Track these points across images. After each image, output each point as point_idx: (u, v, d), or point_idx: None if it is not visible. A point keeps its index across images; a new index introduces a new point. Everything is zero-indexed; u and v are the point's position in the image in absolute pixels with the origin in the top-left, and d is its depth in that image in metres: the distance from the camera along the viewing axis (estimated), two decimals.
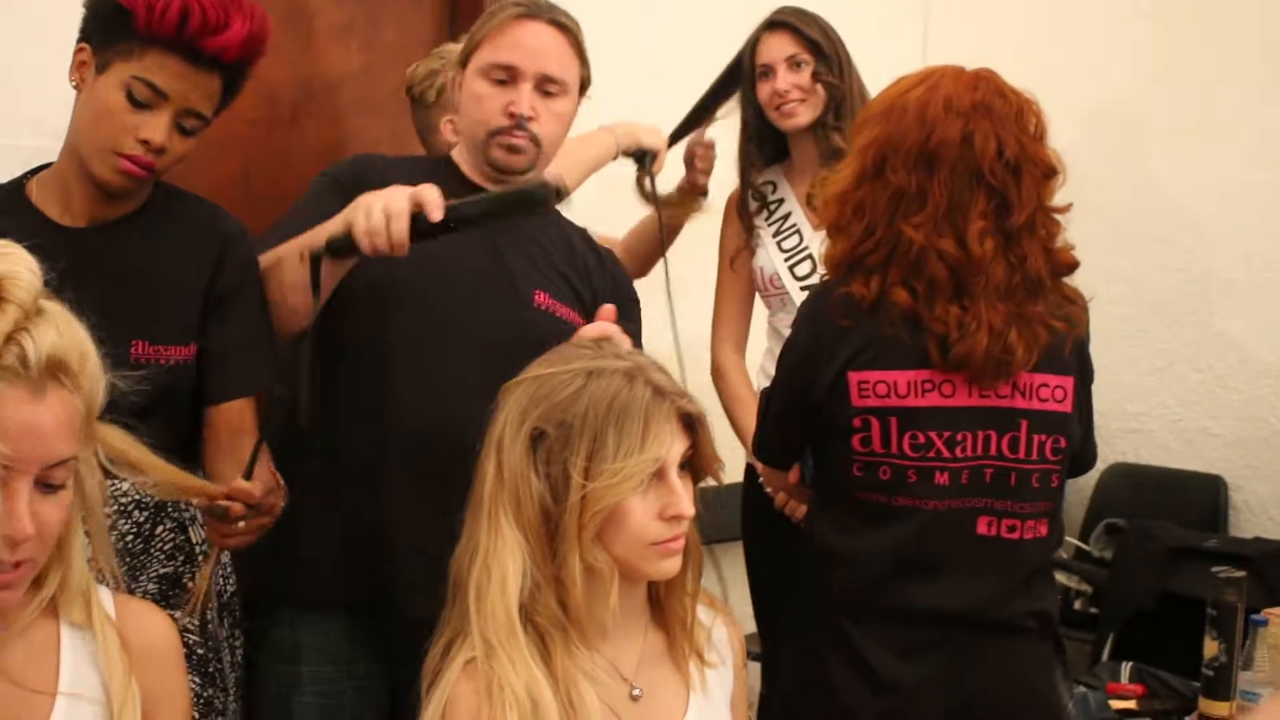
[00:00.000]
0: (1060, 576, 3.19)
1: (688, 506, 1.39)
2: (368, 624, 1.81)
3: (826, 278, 1.87)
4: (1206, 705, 2.42)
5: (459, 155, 1.95)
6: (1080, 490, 3.65)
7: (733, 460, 2.31)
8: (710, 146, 2.62)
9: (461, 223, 1.61)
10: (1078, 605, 3.30)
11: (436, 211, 1.58)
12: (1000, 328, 1.71)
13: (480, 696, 1.31)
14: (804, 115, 2.49)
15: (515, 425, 1.38)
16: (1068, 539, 3.37)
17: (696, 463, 1.43)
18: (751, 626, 2.47)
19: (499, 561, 1.35)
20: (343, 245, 1.61)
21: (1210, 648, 2.38)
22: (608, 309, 1.72)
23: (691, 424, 1.41)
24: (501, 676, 1.31)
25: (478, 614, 1.35)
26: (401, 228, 1.57)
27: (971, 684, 1.75)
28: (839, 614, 1.78)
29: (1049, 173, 1.76)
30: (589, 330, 1.64)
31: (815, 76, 2.47)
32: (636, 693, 1.43)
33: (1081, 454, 1.86)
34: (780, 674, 1.76)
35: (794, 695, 1.78)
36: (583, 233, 2.02)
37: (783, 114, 2.50)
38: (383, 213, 1.57)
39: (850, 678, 1.76)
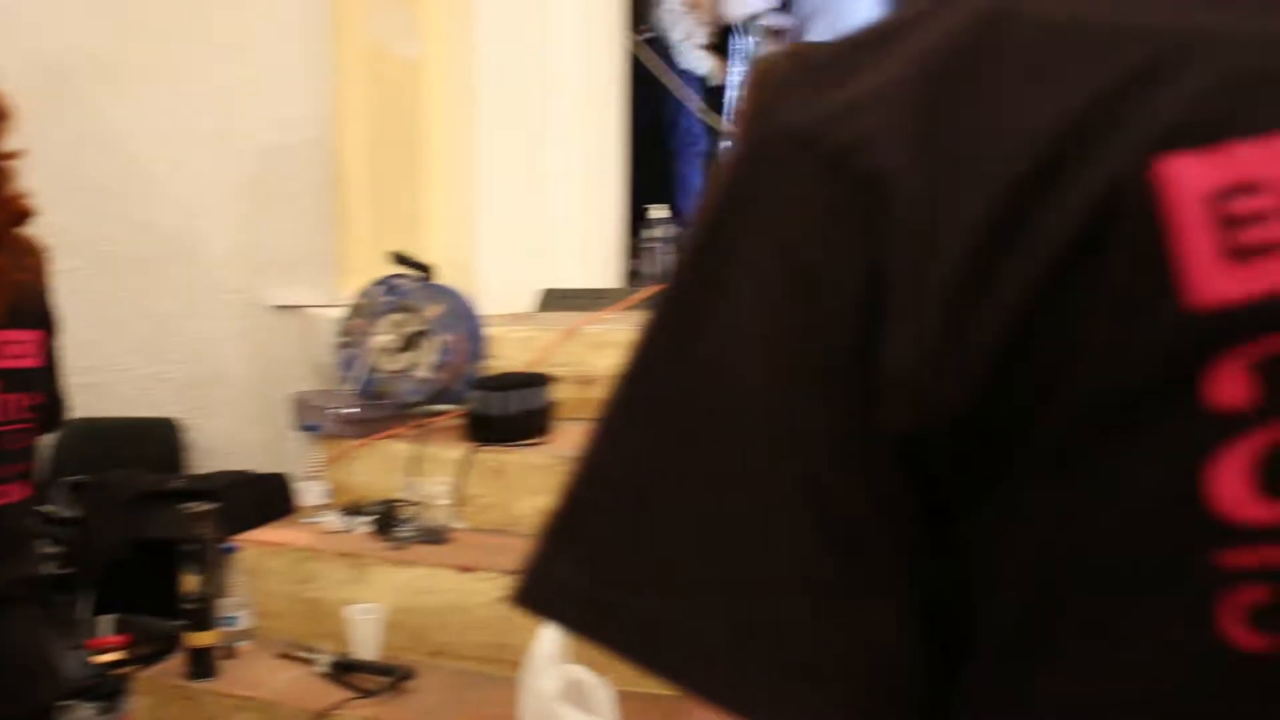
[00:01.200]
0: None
1: None
2: None
3: None
4: (192, 638, 2.53)
5: None
6: (41, 452, 3.53)
7: None
8: None
9: None
10: (55, 568, 3.21)
11: None
12: None
13: None
14: None
15: None
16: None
17: None
18: None
19: None
20: None
21: (189, 582, 2.49)
22: None
23: None
24: None
25: None
26: None
27: None
28: None
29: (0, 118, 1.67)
30: None
31: None
32: None
33: (55, 409, 1.83)
34: None
35: None
36: None
37: None
38: None
39: None
